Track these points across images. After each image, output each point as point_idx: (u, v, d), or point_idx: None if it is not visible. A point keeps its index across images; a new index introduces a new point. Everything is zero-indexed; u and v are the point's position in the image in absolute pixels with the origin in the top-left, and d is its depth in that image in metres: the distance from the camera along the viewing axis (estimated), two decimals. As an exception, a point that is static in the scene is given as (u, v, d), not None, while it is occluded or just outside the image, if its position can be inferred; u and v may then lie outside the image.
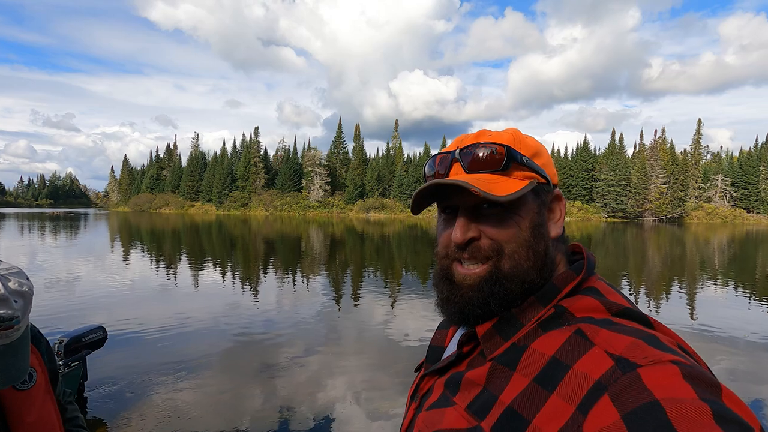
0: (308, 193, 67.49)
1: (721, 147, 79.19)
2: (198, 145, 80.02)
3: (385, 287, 9.38)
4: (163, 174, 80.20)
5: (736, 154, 69.98)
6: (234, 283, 9.59)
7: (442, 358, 0.63)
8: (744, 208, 59.83)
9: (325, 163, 69.07)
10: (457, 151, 0.59)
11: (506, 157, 0.56)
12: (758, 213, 58.69)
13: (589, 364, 0.44)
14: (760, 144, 63.90)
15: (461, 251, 0.57)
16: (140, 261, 13.03)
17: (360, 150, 69.96)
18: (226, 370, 4.57)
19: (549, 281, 0.56)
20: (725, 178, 61.59)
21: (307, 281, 10.10)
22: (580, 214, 58.19)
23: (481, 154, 0.57)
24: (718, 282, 10.99)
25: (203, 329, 5.96)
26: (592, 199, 61.05)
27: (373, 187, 66.08)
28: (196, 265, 12.40)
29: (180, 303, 7.62)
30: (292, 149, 72.85)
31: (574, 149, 65.61)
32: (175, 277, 10.22)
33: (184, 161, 79.42)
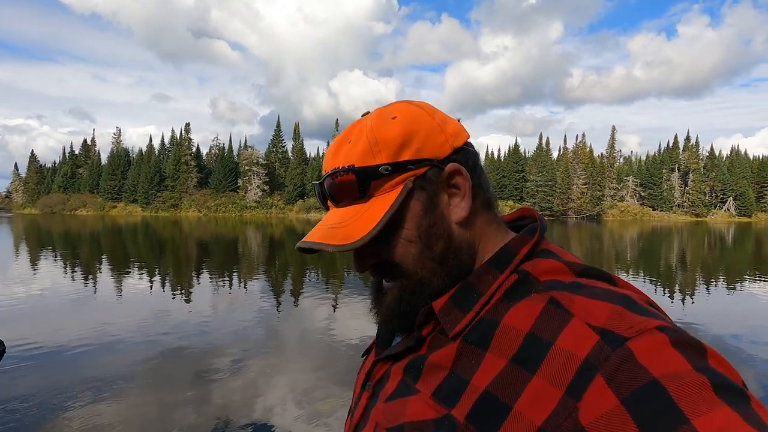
0: (245, 193, 64.94)
1: (632, 151, 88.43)
2: (121, 141, 73.84)
3: (326, 288, 9.27)
4: (79, 172, 72.84)
5: (644, 158, 78.26)
6: (163, 290, 8.95)
7: (395, 341, 0.57)
8: (651, 207, 67.08)
9: (263, 162, 66.89)
10: (325, 183, 0.54)
11: (358, 181, 0.51)
12: (662, 210, 66.07)
13: (571, 340, 0.40)
14: (662, 149, 72.03)
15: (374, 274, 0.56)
16: (51, 269, 11.71)
17: (300, 149, 68.62)
18: (155, 383, 4.24)
19: (503, 246, 0.52)
20: (635, 180, 68.63)
21: (245, 285, 9.70)
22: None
23: (337, 190, 0.53)
24: (630, 273, 12.19)
25: (127, 340, 5.49)
26: (522, 198, 65.02)
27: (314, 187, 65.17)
28: (119, 271, 11.42)
29: (100, 313, 6.96)
30: (227, 147, 69.69)
31: (506, 152, 69.52)
32: (94, 286, 9.33)
33: (104, 158, 72.88)
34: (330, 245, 0.49)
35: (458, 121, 0.56)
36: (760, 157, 73.04)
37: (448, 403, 0.44)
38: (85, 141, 76.39)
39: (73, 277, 10.28)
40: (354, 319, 6.64)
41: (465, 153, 0.53)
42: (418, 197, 0.51)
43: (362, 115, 0.56)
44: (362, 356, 0.67)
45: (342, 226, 0.51)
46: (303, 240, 0.53)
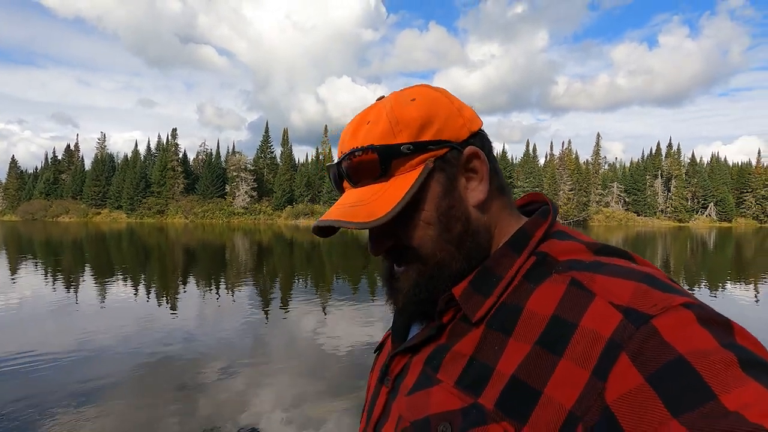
0: (233, 199, 64.31)
1: (616, 158, 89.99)
2: (105, 146, 72.66)
3: (315, 294, 9.21)
4: (62, 178, 71.32)
5: (628, 164, 79.72)
6: (148, 298, 8.79)
7: (411, 332, 0.56)
8: (635, 212, 68.28)
9: (251, 168, 66.40)
10: (342, 164, 0.53)
11: (380, 160, 0.50)
12: (646, 216, 67.30)
13: (596, 319, 0.39)
14: (646, 156, 73.57)
15: (388, 258, 0.55)
16: (31, 277, 11.41)
17: (288, 155, 68.29)
18: (139, 394, 4.14)
19: (519, 229, 0.52)
20: (620, 186, 69.86)
21: (232, 292, 9.57)
22: (500, 219, 62.29)
23: (356, 169, 0.52)
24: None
25: (111, 350, 5.36)
26: (510, 204, 65.68)
27: (303, 193, 64.84)
28: (102, 279, 11.17)
29: (82, 323, 6.79)
30: (214, 153, 69.07)
31: (494, 158, 70.18)
32: (76, 295, 9.10)
33: (88, 164, 71.46)
34: (352, 223, 0.48)
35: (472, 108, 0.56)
36: (739, 163, 75.09)
37: (474, 391, 0.43)
38: (68, 146, 74.84)
39: (54, 286, 10.03)
40: (343, 326, 6.60)
41: (481, 138, 0.54)
42: (437, 178, 0.51)
43: (377, 99, 0.56)
44: (375, 352, 0.66)
45: (363, 204, 0.50)
46: (321, 219, 0.51)
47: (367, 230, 0.54)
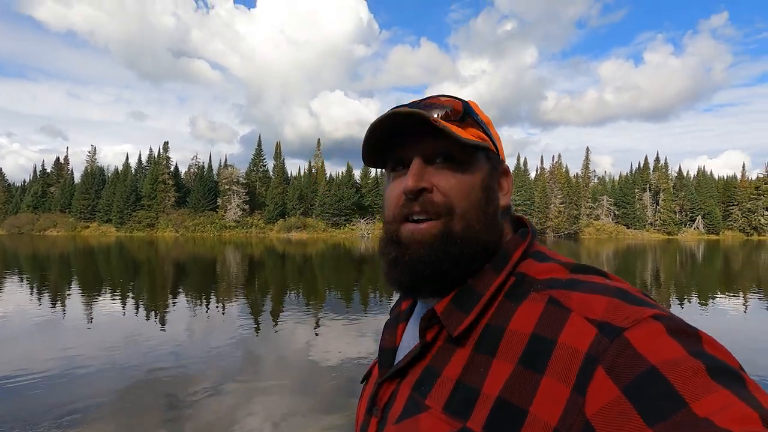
0: (224, 212, 63.88)
1: (605, 171, 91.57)
2: (95, 159, 72.02)
3: (307, 309, 9.11)
4: (50, 191, 70.40)
5: (617, 178, 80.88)
6: (136, 313, 8.63)
7: (396, 359, 0.56)
8: (625, 225, 69.03)
9: (244, 182, 66.17)
10: (415, 102, 0.56)
11: (463, 111, 0.54)
12: (635, 229, 68.06)
13: (573, 335, 0.41)
14: (634, 170, 74.76)
15: (411, 203, 0.52)
16: (16, 292, 11.16)
17: (281, 168, 68.27)
18: (126, 412, 4.03)
19: (501, 247, 0.54)
20: (609, 199, 70.72)
21: (223, 307, 9.44)
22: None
23: (438, 107, 0.54)
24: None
25: (97, 368, 5.23)
26: (502, 217, 66.01)
27: (295, 207, 64.65)
28: (89, 294, 10.96)
29: (67, 339, 6.64)
30: (206, 166, 68.73)
31: (486, 171, 70.69)
32: (63, 310, 8.91)
33: (77, 177, 70.69)
34: (441, 122, 0.50)
35: None
36: (725, 177, 76.70)
37: (462, 415, 0.43)
38: (57, 159, 74.16)
39: (39, 301, 9.80)
40: (335, 341, 6.52)
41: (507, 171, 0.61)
42: (487, 161, 0.56)
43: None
44: (362, 382, 0.65)
45: (446, 124, 0.51)
46: (397, 110, 0.52)
47: (392, 182, 0.56)
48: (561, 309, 0.43)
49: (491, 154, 0.57)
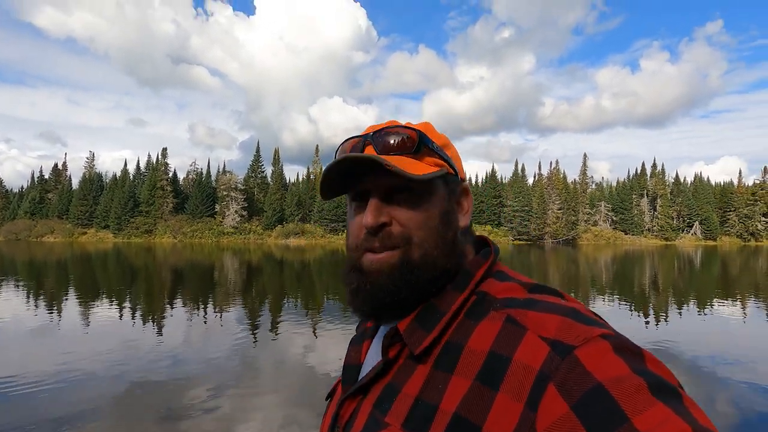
0: (222, 218, 63.80)
1: (603, 177, 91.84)
2: (94, 165, 72.01)
3: (306, 316, 9.08)
4: (48, 197, 70.21)
5: (614, 184, 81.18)
6: (133, 320, 8.58)
7: (360, 376, 0.57)
8: (622, 231, 69.15)
9: (242, 188, 66.15)
10: (370, 134, 0.58)
11: (418, 141, 0.56)
12: (633, 234, 68.18)
13: (527, 353, 0.43)
14: (631, 176, 75.08)
15: (372, 238, 0.54)
16: (12, 298, 11.08)
17: (279, 174, 68.33)
18: (122, 420, 4.00)
19: (462, 268, 0.55)
20: (607, 205, 70.92)
21: (220, 313, 9.39)
22: (491, 238, 62.24)
23: (392, 139, 0.56)
24: (606, 296, 12.42)
25: (93, 375, 5.19)
26: (500, 223, 66.08)
27: (293, 213, 64.62)
28: (86, 301, 10.90)
29: (64, 346, 6.59)
30: (205, 172, 68.80)
31: (484, 178, 71.04)
32: (59, 316, 8.86)
33: (75, 183, 70.58)
34: (392, 164, 0.51)
35: None
36: (722, 183, 77.02)
37: (420, 431, 0.45)
38: (55, 165, 74.01)
39: (36, 308, 9.74)
40: (333, 348, 6.49)
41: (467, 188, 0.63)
42: (445, 186, 0.57)
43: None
44: (326, 399, 0.66)
45: (397, 160, 0.53)
46: (351, 154, 0.54)
47: (353, 213, 0.58)
48: (517, 327, 0.45)
49: (449, 177, 0.58)
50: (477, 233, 0.64)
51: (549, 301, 0.48)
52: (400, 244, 0.53)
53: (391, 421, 0.47)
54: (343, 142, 0.60)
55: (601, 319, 0.47)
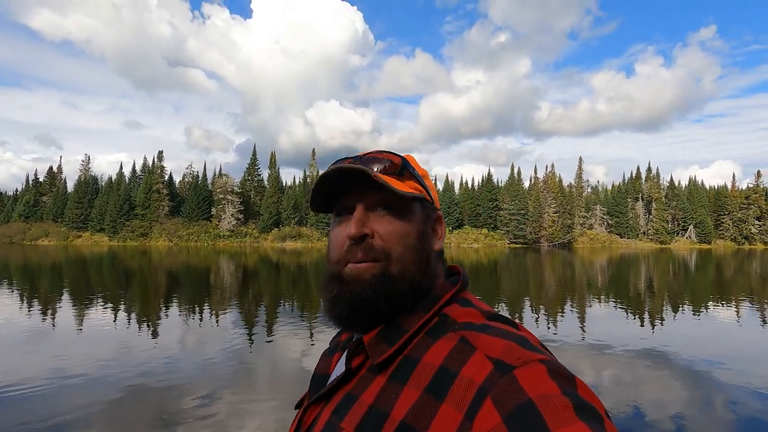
0: (218, 221, 63.59)
1: (598, 181, 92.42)
2: (89, 168, 71.61)
3: (301, 319, 9.05)
4: (43, 200, 69.75)
5: (610, 187, 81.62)
6: (128, 324, 8.51)
7: (328, 383, 0.61)
8: (618, 234, 69.47)
9: (238, 191, 66.00)
10: (359, 156, 0.63)
11: (401, 165, 0.62)
12: (629, 238, 68.50)
13: (472, 369, 0.47)
14: (627, 180, 75.52)
15: (355, 248, 0.58)
16: (6, 302, 10.97)
17: (276, 177, 68.25)
18: (116, 424, 3.96)
19: (433, 289, 0.60)
20: (602, 208, 71.25)
21: (216, 317, 9.35)
22: (487, 241, 62.59)
23: (378, 163, 0.61)
24: (602, 299, 12.45)
25: (86, 379, 5.14)
26: (496, 226, 66.20)
27: (290, 216, 64.51)
28: (81, 304, 10.82)
29: (57, 350, 6.53)
30: (201, 175, 68.59)
31: (480, 181, 71.22)
32: (53, 320, 8.78)
33: (70, 186, 70.10)
34: (380, 177, 0.57)
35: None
36: (716, 187, 77.59)
37: None
38: (50, 168, 73.60)
39: (29, 311, 9.65)
40: (330, 351, 6.46)
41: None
42: (422, 210, 0.63)
43: None
44: (295, 408, 0.70)
45: (383, 177, 0.59)
46: (341, 164, 0.59)
47: (336, 226, 0.63)
48: (468, 347, 0.50)
49: (426, 203, 0.64)
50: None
51: (502, 328, 0.52)
52: (380, 258, 0.58)
53: (346, 426, 0.51)
54: (333, 164, 0.63)
55: (547, 350, 0.51)
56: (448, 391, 0.46)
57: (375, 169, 0.60)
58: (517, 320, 0.56)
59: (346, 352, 0.59)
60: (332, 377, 0.62)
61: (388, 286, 0.57)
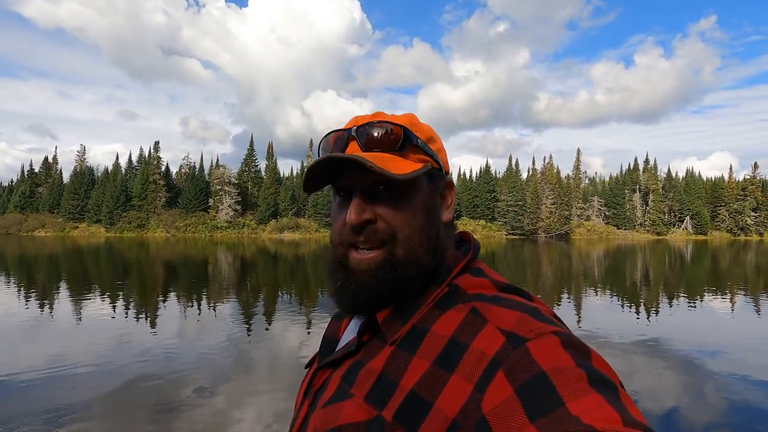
0: (216, 212, 63.44)
1: (596, 173, 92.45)
2: (85, 159, 71.23)
3: (300, 309, 9.08)
4: (38, 191, 69.35)
5: (607, 179, 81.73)
6: (126, 314, 8.53)
7: (337, 349, 0.62)
8: (615, 225, 69.76)
9: (236, 182, 65.77)
10: (354, 129, 0.58)
11: (402, 137, 0.56)
12: (626, 229, 68.80)
13: (484, 341, 0.46)
14: (624, 171, 75.59)
15: (356, 235, 0.55)
16: (2, 293, 10.98)
17: (273, 168, 67.99)
18: (115, 414, 3.99)
19: (443, 264, 0.57)
20: (600, 200, 71.43)
21: (214, 308, 9.37)
22: (485, 232, 62.75)
23: (376, 134, 0.56)
24: (598, 290, 12.54)
25: (86, 369, 5.16)
26: (494, 218, 66.34)
27: (287, 207, 64.41)
28: (78, 295, 10.83)
29: (56, 340, 6.54)
30: (198, 166, 68.20)
31: (478, 172, 71.16)
32: (51, 311, 8.79)
33: (66, 177, 69.67)
34: (375, 165, 0.51)
35: None
36: (713, 178, 77.85)
37: (380, 404, 0.48)
38: (46, 159, 73.03)
39: (26, 302, 9.65)
40: (328, 341, 6.50)
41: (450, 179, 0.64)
42: (429, 182, 0.59)
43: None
44: (305, 368, 0.70)
45: (380, 159, 0.54)
46: (334, 153, 0.54)
47: (336, 207, 0.59)
48: (479, 318, 0.49)
49: (433, 172, 0.59)
50: (463, 229, 0.65)
51: (514, 299, 0.51)
52: (386, 241, 0.55)
53: (356, 392, 0.51)
54: (326, 135, 0.60)
55: (561, 321, 0.50)
56: (458, 363, 0.46)
57: (375, 135, 0.56)
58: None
59: (359, 325, 0.59)
60: (342, 342, 0.62)
61: (393, 274, 0.54)
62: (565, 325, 0.50)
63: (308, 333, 7.07)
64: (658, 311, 9.29)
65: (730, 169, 75.87)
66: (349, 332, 0.62)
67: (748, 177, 71.74)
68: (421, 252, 0.55)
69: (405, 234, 0.55)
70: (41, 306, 9.28)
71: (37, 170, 71.73)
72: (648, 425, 0.38)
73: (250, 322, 7.94)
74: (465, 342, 0.47)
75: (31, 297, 10.42)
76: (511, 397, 0.40)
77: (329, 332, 0.66)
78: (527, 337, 0.44)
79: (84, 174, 67.12)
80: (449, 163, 0.64)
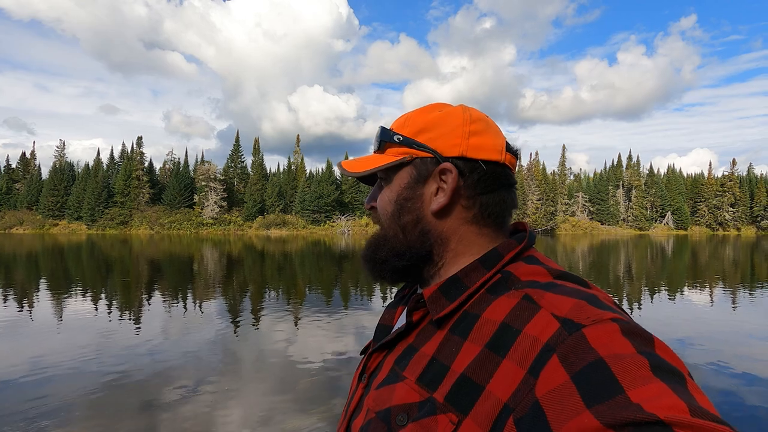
0: (201, 209, 62.57)
1: (581, 169, 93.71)
2: (64, 154, 69.31)
3: (287, 307, 9.03)
4: (16, 188, 67.44)
5: (592, 175, 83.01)
6: (109, 313, 8.37)
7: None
8: (599, 221, 71.00)
9: (221, 178, 64.91)
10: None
11: (379, 139, 0.63)
12: (609, 225, 70.08)
13: (537, 327, 0.45)
14: (608, 167, 76.86)
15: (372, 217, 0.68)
16: (-20, 293, 10.66)
17: (260, 164, 67.23)
18: (98, 415, 3.91)
19: (493, 248, 0.58)
20: (584, 196, 72.57)
21: (200, 305, 9.26)
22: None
23: (376, 139, 0.65)
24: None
25: (66, 370, 5.05)
26: (481, 213, 66.77)
27: (274, 203, 63.86)
28: (59, 294, 10.58)
29: (35, 340, 6.38)
30: (182, 162, 67.16)
31: (465, 168, 71.24)
32: (30, 310, 8.57)
33: (45, 173, 67.92)
34: (340, 165, 0.66)
35: (517, 150, 0.64)
36: (693, 174, 79.68)
37: (431, 387, 0.49)
38: (23, 154, 70.93)
39: (4, 301, 9.39)
40: (315, 338, 6.48)
41: (474, 165, 0.59)
42: (410, 171, 0.61)
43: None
44: (361, 354, 0.72)
45: (361, 160, 0.66)
46: (343, 162, 0.67)
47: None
48: (532, 305, 0.48)
49: (418, 161, 0.61)
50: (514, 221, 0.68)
51: (570, 286, 0.50)
52: (381, 223, 0.65)
53: (408, 375, 0.53)
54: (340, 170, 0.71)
55: (621, 309, 0.49)
56: (510, 348, 0.46)
57: (375, 150, 0.65)
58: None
59: (407, 305, 0.62)
60: (395, 329, 0.64)
61: (378, 250, 0.62)
62: (626, 313, 0.48)
63: (296, 330, 7.03)
64: (640, 304, 9.49)
65: (710, 165, 77.81)
66: (403, 318, 0.64)
67: (727, 173, 73.65)
68: (391, 236, 0.62)
69: (384, 219, 0.63)
70: (20, 305, 9.03)
71: (14, 166, 69.71)
72: (720, 416, 0.35)
73: (237, 320, 7.86)
74: (517, 327, 0.47)
75: (9, 296, 10.13)
76: (566, 383, 0.39)
77: (384, 320, 0.69)
78: (583, 323, 0.43)
79: (63, 170, 65.41)
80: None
